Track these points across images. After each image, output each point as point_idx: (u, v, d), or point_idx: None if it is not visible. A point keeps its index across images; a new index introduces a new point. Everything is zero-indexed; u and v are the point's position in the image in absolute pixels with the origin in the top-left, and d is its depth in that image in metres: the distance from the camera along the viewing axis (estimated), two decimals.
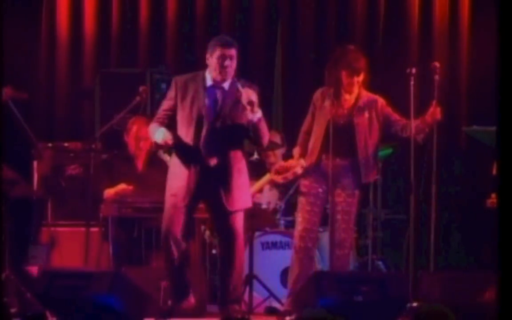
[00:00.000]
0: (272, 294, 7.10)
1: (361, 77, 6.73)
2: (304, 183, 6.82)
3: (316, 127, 6.79)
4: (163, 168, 7.57)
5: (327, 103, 6.74)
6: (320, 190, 6.76)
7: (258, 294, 7.13)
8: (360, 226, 7.90)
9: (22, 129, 7.16)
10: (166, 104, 6.62)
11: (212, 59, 6.48)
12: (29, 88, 8.04)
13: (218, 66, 6.46)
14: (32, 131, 7.33)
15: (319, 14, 8.90)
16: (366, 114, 6.74)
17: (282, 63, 8.94)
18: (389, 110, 6.80)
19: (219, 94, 6.53)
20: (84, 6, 8.90)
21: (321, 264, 7.43)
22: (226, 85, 6.52)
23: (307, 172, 6.80)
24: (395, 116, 6.77)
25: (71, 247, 7.49)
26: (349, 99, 6.76)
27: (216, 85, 6.52)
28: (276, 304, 7.11)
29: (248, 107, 6.36)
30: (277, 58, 8.99)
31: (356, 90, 6.76)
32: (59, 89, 8.91)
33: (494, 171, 6.39)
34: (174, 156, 6.61)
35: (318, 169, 6.75)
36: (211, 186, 6.49)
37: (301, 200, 6.81)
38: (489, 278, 5.86)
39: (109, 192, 7.34)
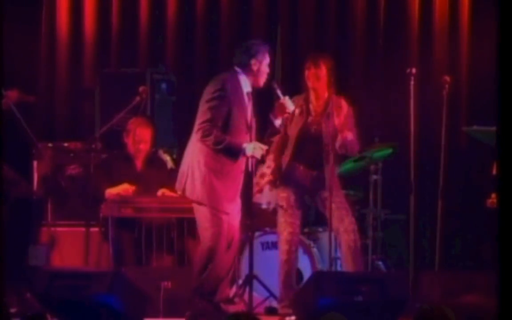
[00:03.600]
0: (272, 294, 7.09)
1: (322, 71, 6.70)
2: (281, 196, 6.89)
3: (290, 137, 6.81)
4: (163, 168, 7.59)
5: (297, 111, 6.75)
6: (296, 200, 6.83)
7: (258, 294, 7.13)
8: (360, 226, 7.89)
9: (23, 129, 7.16)
10: (220, 110, 6.36)
11: (261, 65, 6.47)
12: (29, 88, 8.03)
13: (265, 73, 6.49)
14: (32, 131, 7.33)
15: (319, 14, 8.90)
16: (335, 119, 6.72)
17: (282, 63, 8.93)
18: (347, 116, 6.77)
19: (254, 98, 6.55)
20: (84, 6, 8.89)
21: (321, 264, 7.43)
22: None
23: (280, 182, 6.85)
24: (345, 126, 6.72)
25: (71, 247, 7.49)
26: (316, 105, 6.75)
27: (253, 88, 6.53)
28: (276, 304, 7.11)
29: (285, 115, 6.43)
30: (277, 58, 8.98)
31: (321, 90, 6.73)
32: (59, 89, 8.90)
33: (494, 171, 6.39)
34: (215, 166, 6.42)
35: (291, 179, 6.79)
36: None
37: (280, 211, 6.88)
38: (489, 278, 5.86)
39: (110, 192, 7.33)
